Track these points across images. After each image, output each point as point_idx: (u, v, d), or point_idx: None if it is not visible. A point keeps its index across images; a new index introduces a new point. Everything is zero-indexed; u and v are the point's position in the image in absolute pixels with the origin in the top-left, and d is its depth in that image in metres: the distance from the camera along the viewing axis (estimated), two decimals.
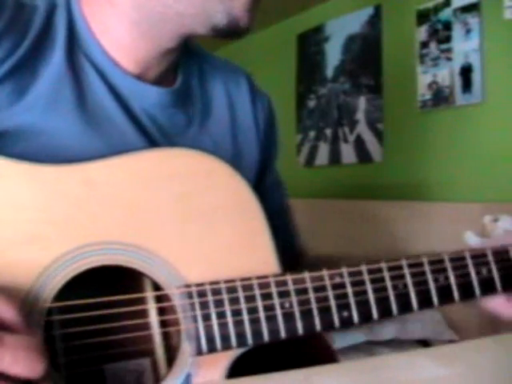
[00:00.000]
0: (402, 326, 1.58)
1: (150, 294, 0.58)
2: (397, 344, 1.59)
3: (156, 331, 0.58)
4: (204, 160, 0.59)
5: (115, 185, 0.55)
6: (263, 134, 0.79)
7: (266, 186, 0.80)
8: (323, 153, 2.37)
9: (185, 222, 0.57)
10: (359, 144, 2.19)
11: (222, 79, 0.77)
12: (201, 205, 0.58)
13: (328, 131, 2.35)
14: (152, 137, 0.67)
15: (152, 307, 0.58)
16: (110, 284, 0.56)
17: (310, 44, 2.46)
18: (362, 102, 2.19)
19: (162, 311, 0.58)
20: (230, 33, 0.65)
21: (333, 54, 2.34)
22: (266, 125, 0.80)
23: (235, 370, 0.57)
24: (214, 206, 0.58)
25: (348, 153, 2.25)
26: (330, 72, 2.35)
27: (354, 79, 2.23)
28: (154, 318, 0.57)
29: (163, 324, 0.58)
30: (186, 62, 0.74)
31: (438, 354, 0.55)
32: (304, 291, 0.58)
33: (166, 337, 0.58)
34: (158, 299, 0.57)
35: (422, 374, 0.50)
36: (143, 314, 0.57)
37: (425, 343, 1.64)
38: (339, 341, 1.48)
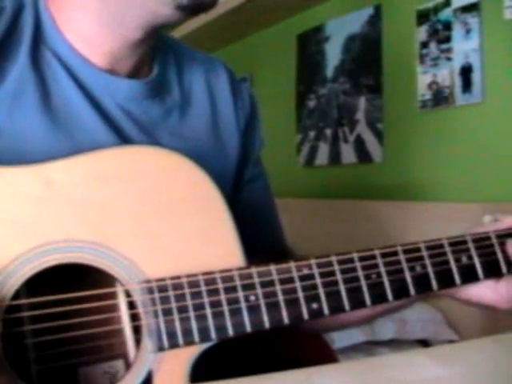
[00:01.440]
0: (401, 326, 1.58)
1: (110, 290, 0.57)
2: (397, 344, 1.59)
3: (125, 326, 0.57)
4: (165, 156, 0.59)
5: (75, 184, 0.55)
6: (244, 125, 0.79)
7: (246, 177, 0.79)
8: (323, 153, 2.37)
9: (145, 218, 0.57)
10: (359, 144, 2.19)
11: (201, 70, 0.77)
12: (162, 201, 0.57)
13: (328, 131, 2.35)
14: (125, 132, 0.67)
15: (120, 302, 0.57)
16: (79, 282, 0.56)
17: (310, 44, 2.46)
18: (361, 102, 2.19)
19: (132, 308, 0.57)
20: (196, 9, 0.63)
21: (333, 54, 2.34)
22: (246, 115, 0.80)
23: (232, 370, 0.57)
24: (175, 202, 0.58)
25: (348, 153, 2.25)
26: (330, 72, 2.35)
27: (354, 79, 2.23)
28: (122, 314, 0.57)
29: (135, 321, 0.57)
30: (162, 54, 0.73)
31: (438, 354, 0.55)
32: (270, 283, 0.57)
33: (138, 334, 0.58)
34: (128, 296, 0.57)
35: (422, 373, 0.50)
36: (111, 310, 0.57)
37: (425, 343, 1.64)
38: (339, 341, 1.48)
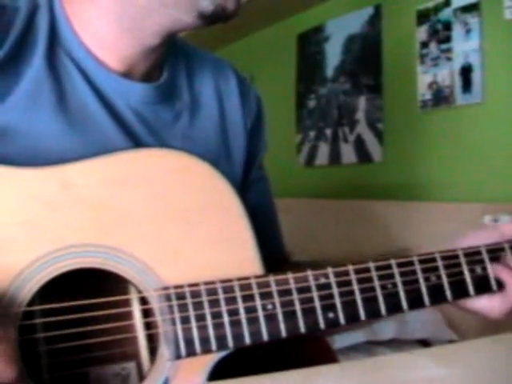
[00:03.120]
0: (401, 326, 1.58)
1: (125, 297, 0.56)
2: (397, 344, 1.59)
3: (139, 334, 0.56)
4: (181, 159, 0.58)
5: (91, 187, 0.55)
6: (251, 128, 0.79)
7: (249, 180, 0.79)
8: (323, 153, 2.37)
9: (163, 222, 0.56)
10: (359, 144, 2.19)
11: (211, 73, 0.77)
12: (179, 205, 0.57)
13: (328, 131, 2.35)
14: (137, 135, 0.66)
15: (134, 310, 0.56)
16: (93, 287, 0.55)
17: (310, 44, 2.46)
18: (361, 102, 2.19)
19: (147, 314, 0.57)
20: (218, 18, 0.63)
21: (333, 54, 2.34)
22: (254, 118, 0.79)
23: (230, 370, 0.57)
24: (192, 206, 0.57)
25: (348, 153, 2.25)
26: (330, 72, 2.35)
27: (354, 79, 2.23)
28: (137, 321, 0.56)
29: (149, 327, 0.57)
30: (173, 57, 0.73)
31: (438, 354, 0.55)
32: (287, 292, 0.57)
33: (151, 340, 0.57)
34: (143, 302, 0.56)
35: (422, 373, 0.50)
36: (127, 317, 0.56)
37: (425, 343, 1.64)
38: (339, 341, 1.48)
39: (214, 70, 0.77)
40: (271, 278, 0.57)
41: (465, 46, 1.77)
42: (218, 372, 0.57)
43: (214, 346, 0.54)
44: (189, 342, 0.54)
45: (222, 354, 0.55)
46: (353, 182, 2.24)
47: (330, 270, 0.59)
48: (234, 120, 0.77)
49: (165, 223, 0.56)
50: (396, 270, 0.60)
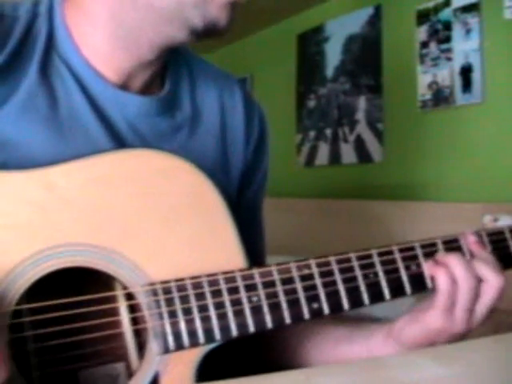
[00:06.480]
0: None
1: (112, 294, 0.57)
2: None
3: (126, 330, 0.57)
4: (165, 159, 0.59)
5: (76, 187, 0.55)
6: (253, 145, 0.78)
7: (244, 198, 0.78)
8: (323, 153, 2.37)
9: (147, 220, 0.57)
10: (359, 144, 2.19)
11: (216, 87, 0.76)
12: (163, 203, 0.58)
13: (328, 131, 2.35)
14: (129, 146, 0.66)
15: (121, 306, 0.57)
16: (80, 286, 0.56)
17: (310, 44, 2.46)
18: (362, 102, 2.19)
19: (134, 310, 0.57)
20: (210, 34, 0.64)
21: (333, 54, 2.34)
22: (257, 135, 0.79)
23: (230, 369, 0.57)
24: (176, 204, 0.58)
25: (348, 153, 2.25)
26: (330, 72, 2.35)
27: (354, 79, 2.23)
28: (124, 317, 0.57)
29: (136, 323, 0.58)
30: (176, 68, 0.73)
31: (438, 354, 0.55)
32: (271, 284, 0.58)
33: (139, 336, 0.58)
34: (129, 299, 0.57)
35: (422, 373, 0.50)
36: (113, 313, 0.57)
37: None
38: None
39: (220, 84, 0.77)
40: (255, 271, 0.58)
41: (465, 46, 1.77)
42: (217, 371, 0.57)
43: (201, 338, 0.55)
44: (177, 336, 0.55)
45: (211, 346, 0.56)
46: (353, 181, 2.24)
47: (312, 261, 0.60)
48: (235, 136, 0.76)
49: (150, 222, 0.57)
50: (377, 260, 0.62)
